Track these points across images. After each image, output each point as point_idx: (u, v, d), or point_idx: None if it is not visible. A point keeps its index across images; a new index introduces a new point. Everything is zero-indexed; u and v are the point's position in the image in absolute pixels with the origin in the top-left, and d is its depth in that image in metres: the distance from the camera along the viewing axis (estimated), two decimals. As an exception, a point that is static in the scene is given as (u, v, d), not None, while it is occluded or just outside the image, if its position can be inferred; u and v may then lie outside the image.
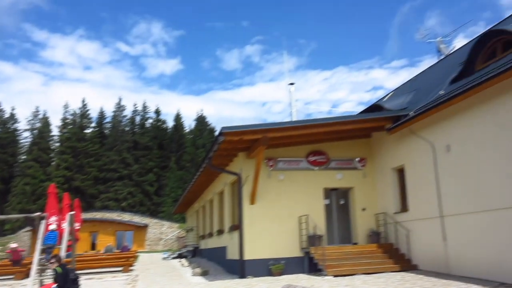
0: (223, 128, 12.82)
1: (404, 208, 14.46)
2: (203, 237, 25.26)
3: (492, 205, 10.51)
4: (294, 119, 22.87)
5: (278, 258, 14.04)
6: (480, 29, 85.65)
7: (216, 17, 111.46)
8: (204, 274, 16.05)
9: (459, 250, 11.65)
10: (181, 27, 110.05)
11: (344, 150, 15.92)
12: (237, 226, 15.04)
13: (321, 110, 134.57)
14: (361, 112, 19.39)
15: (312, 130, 14.09)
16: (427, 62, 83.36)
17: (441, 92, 12.94)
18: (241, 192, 14.57)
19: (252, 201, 14.45)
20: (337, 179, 15.66)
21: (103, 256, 20.90)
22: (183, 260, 23.12)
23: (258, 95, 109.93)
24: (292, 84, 24.26)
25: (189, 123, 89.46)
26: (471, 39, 17.14)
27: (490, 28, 14.04)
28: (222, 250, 17.91)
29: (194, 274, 16.12)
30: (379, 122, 14.69)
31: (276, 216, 14.58)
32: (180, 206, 32.87)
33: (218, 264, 18.94)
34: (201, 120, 70.43)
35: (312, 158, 15.51)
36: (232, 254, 15.82)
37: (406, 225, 14.01)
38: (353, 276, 12.44)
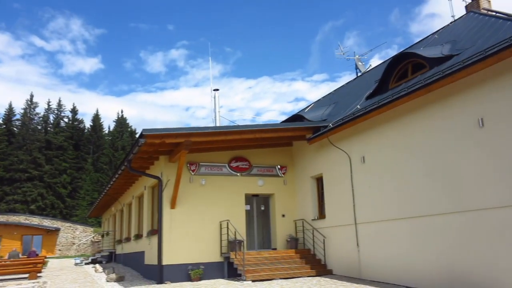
0: (144, 130, 12.37)
1: (321, 215, 15.10)
2: (120, 241, 24.41)
3: (400, 213, 11.34)
4: (218, 125, 22.93)
5: (197, 263, 13.97)
6: (393, 51, 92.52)
7: (140, 18, 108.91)
8: (120, 280, 15.52)
9: (370, 256, 12.39)
10: (102, 25, 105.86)
11: (266, 158, 16.33)
12: (156, 231, 14.76)
13: (244, 117, 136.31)
14: (283, 121, 19.93)
15: (235, 137, 14.22)
16: (346, 77, 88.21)
17: (358, 106, 13.75)
18: (162, 196, 14.33)
19: (173, 206, 14.28)
20: (258, 185, 16.00)
21: (7, 262, 19.40)
22: (98, 266, 22.15)
23: (182, 100, 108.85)
24: (216, 90, 24.28)
25: (108, 124, 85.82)
26: (386, 59, 18.37)
27: (403, 51, 15.16)
28: (140, 255, 17.45)
29: (109, 280, 15.52)
30: (300, 131, 15.21)
31: (197, 221, 14.53)
32: (96, 209, 31.52)
33: (135, 270, 18.42)
34: (121, 122, 68.11)
35: (234, 164, 15.70)
36: (150, 259, 15.48)
37: (323, 232, 14.63)
38: (271, 281, 12.74)
